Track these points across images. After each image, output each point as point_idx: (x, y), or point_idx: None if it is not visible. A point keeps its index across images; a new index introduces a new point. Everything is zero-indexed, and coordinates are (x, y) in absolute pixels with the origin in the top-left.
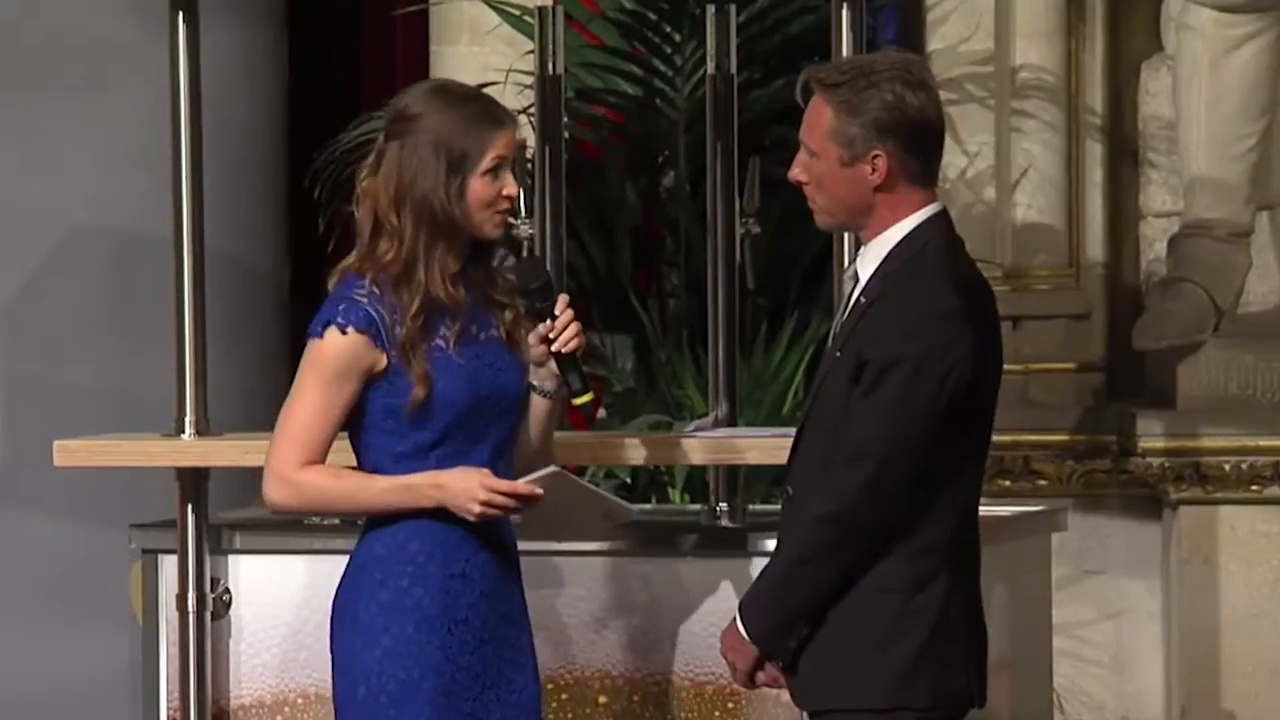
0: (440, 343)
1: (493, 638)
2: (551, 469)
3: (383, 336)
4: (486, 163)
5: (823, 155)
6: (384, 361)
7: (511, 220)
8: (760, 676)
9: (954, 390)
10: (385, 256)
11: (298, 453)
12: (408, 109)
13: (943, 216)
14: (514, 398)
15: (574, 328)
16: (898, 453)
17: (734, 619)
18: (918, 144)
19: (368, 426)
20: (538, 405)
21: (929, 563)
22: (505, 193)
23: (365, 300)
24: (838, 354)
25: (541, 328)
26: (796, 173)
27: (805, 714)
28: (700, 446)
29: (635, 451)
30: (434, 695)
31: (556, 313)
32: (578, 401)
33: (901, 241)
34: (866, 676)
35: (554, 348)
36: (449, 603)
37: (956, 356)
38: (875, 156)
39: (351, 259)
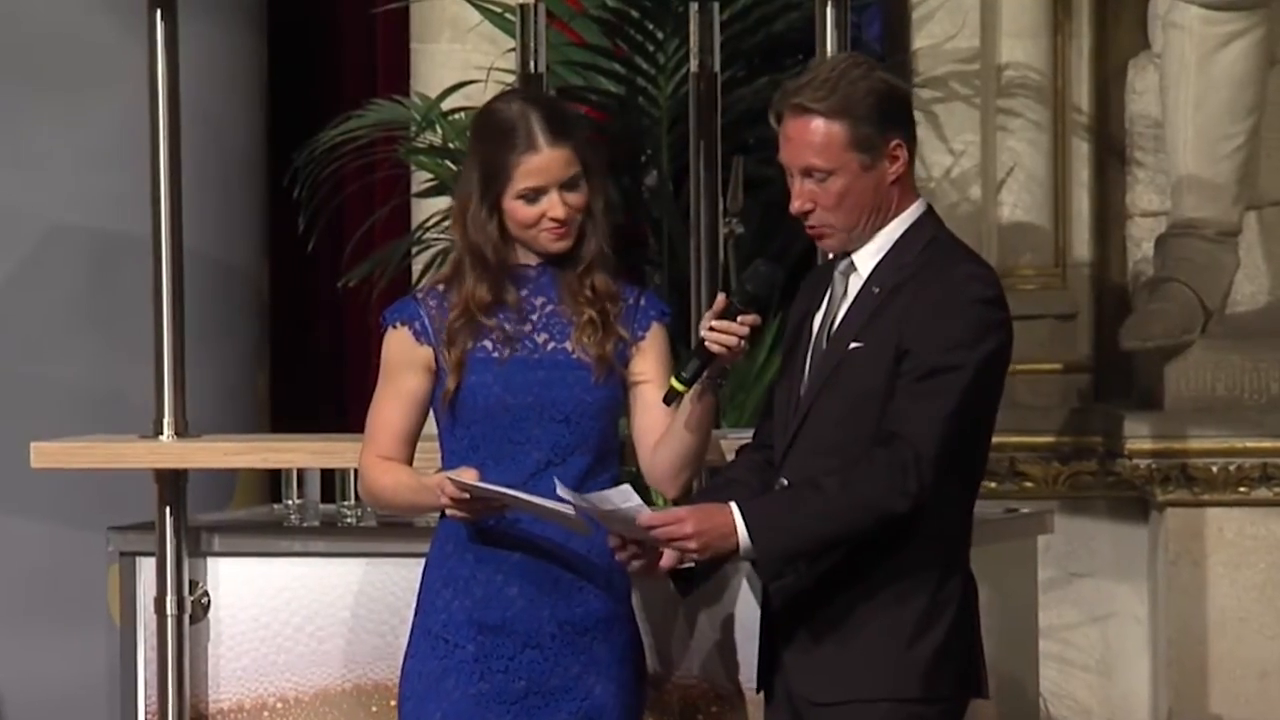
0: (485, 344)
1: (540, 644)
2: (501, 489)
3: (427, 331)
4: (519, 187)
5: (841, 170)
6: (432, 356)
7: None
8: (664, 563)
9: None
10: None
11: (369, 446)
12: (473, 125)
13: (934, 211)
14: (569, 408)
15: (729, 339)
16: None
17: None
18: (911, 120)
19: (437, 425)
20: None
21: (954, 553)
22: (549, 215)
23: (421, 296)
24: (855, 344)
25: (710, 312)
26: (802, 204)
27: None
28: None
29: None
30: (455, 695)
31: (740, 320)
32: (673, 381)
33: (907, 232)
34: (904, 666)
35: (701, 331)
36: (479, 607)
37: (1005, 355)
38: (895, 146)
39: None
